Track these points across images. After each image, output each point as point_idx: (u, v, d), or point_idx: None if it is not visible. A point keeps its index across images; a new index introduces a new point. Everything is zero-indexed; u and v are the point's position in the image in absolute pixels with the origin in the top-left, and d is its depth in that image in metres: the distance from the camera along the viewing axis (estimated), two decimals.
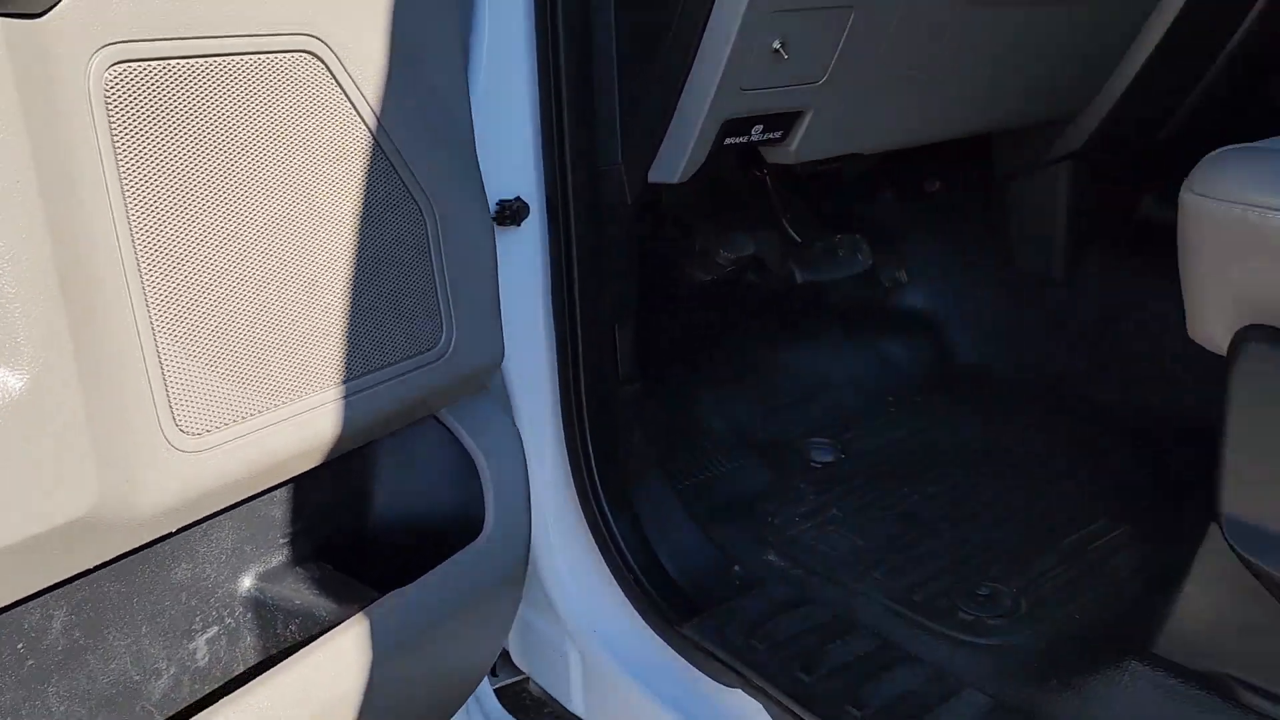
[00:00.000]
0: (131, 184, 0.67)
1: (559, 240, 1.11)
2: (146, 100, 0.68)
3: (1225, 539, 0.85)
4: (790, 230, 1.58)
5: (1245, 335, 0.82)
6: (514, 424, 1.01)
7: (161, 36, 0.67)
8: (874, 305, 1.78)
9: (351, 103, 0.81)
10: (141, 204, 0.68)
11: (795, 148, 1.22)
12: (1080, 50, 1.38)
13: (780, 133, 1.19)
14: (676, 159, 1.14)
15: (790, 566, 1.25)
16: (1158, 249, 1.66)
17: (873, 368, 1.71)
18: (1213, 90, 1.55)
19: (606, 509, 1.20)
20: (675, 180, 1.15)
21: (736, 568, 1.25)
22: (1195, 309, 0.88)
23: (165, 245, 0.69)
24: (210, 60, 0.71)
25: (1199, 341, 0.89)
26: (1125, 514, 1.30)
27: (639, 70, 1.10)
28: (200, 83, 0.70)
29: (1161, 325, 1.58)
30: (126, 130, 0.67)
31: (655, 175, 1.17)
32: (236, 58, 0.72)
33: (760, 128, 1.17)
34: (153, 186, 0.68)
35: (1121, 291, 1.63)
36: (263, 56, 0.74)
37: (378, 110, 0.83)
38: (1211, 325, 0.86)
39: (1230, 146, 0.89)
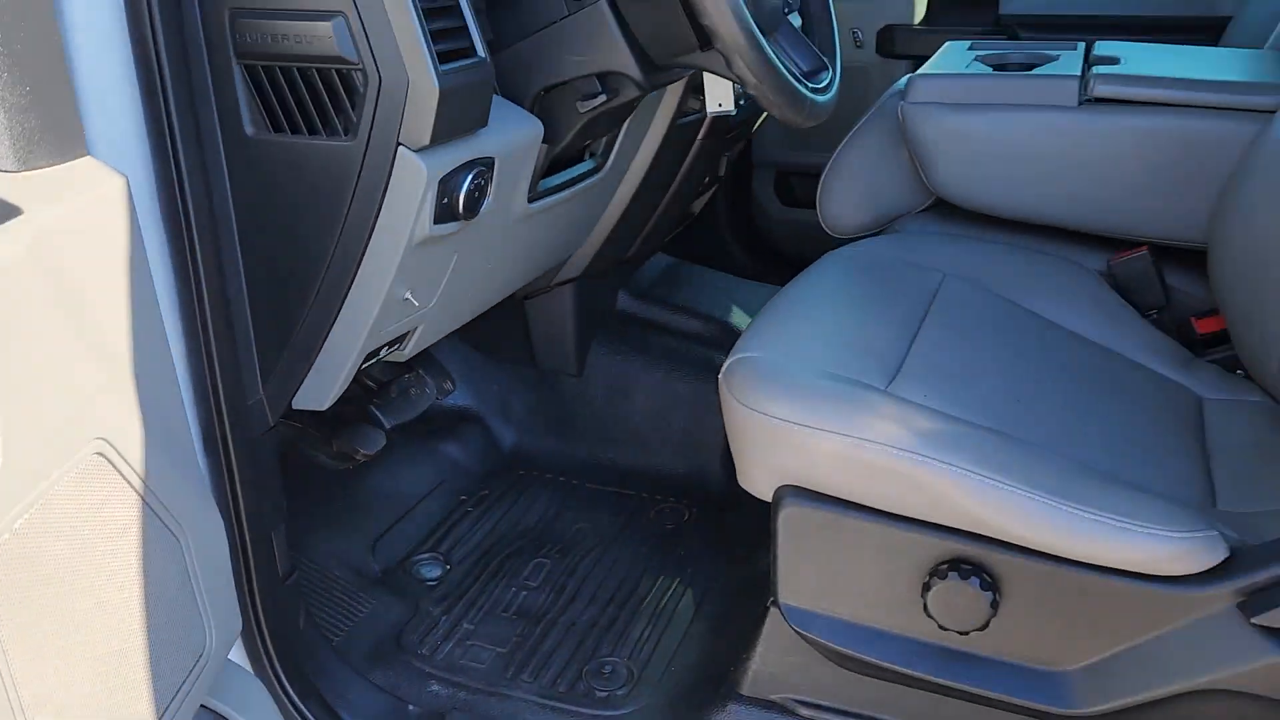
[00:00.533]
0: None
1: (220, 470, 1.22)
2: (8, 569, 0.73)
3: (784, 619, 1.30)
4: (367, 380, 1.77)
5: (782, 493, 1.26)
6: (261, 682, 1.13)
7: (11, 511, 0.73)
8: (429, 413, 2.03)
9: (122, 475, 0.89)
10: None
11: (408, 351, 1.43)
12: (582, 217, 1.76)
13: (398, 345, 1.40)
14: (325, 391, 1.30)
15: (454, 691, 1.50)
16: (636, 335, 2.15)
17: (443, 471, 1.98)
18: (663, 215, 2.04)
19: (297, 699, 1.34)
20: (323, 408, 1.32)
21: (411, 707, 1.47)
22: (742, 469, 1.31)
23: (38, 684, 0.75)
24: (40, 504, 0.76)
25: (745, 488, 1.32)
26: (675, 568, 1.75)
27: (276, 323, 1.24)
28: (33, 536, 0.76)
29: (654, 398, 2.07)
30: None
31: (300, 403, 1.32)
32: (59, 488, 0.78)
33: (386, 348, 1.37)
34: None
35: (619, 375, 2.08)
36: (75, 477, 0.80)
37: (141, 472, 0.91)
38: (756, 483, 1.29)
39: (746, 355, 1.31)
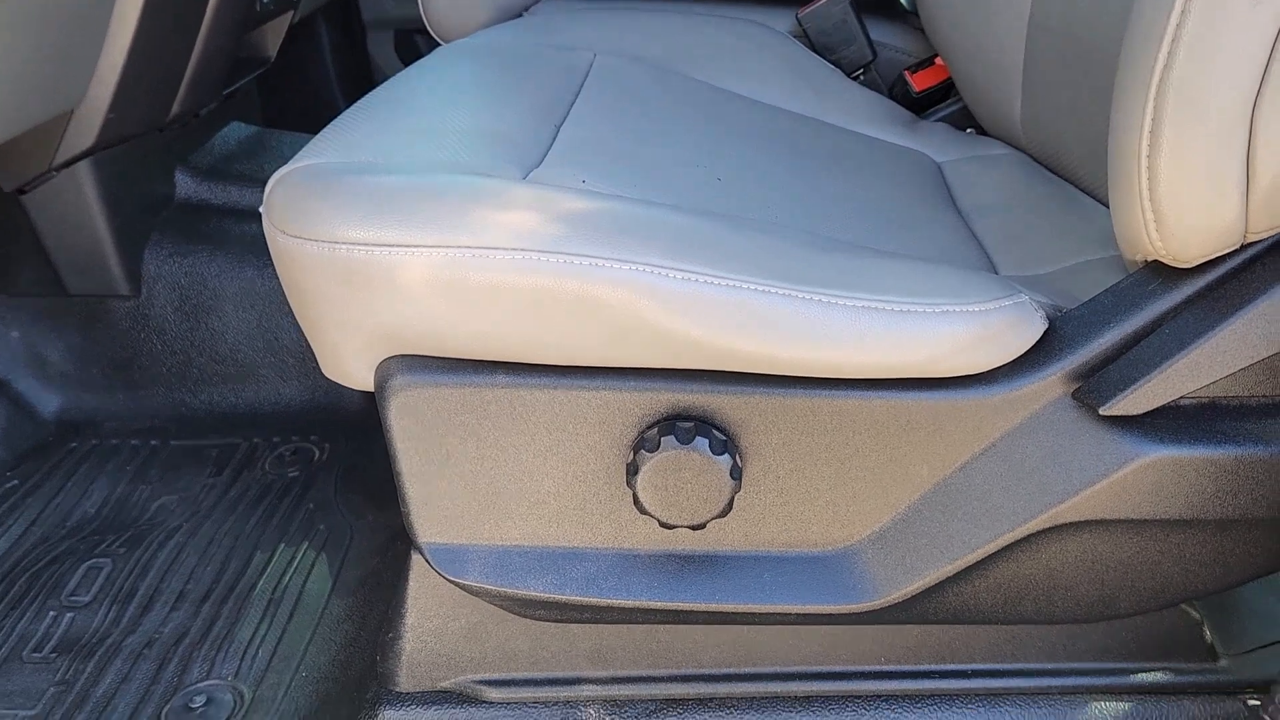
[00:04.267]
0: None
1: None
2: None
3: (430, 566, 0.83)
4: None
5: (388, 370, 0.77)
6: None
7: None
8: None
9: None
10: None
11: None
12: (51, 41, 1.16)
13: None
14: None
15: None
16: (211, 227, 1.57)
17: None
18: (209, 48, 1.46)
19: None
20: None
21: None
22: (324, 351, 0.81)
23: None
24: None
25: (337, 380, 0.82)
26: (301, 530, 1.23)
27: None
28: None
29: (250, 308, 1.51)
30: None
31: None
32: None
33: None
34: None
35: (194, 285, 1.50)
36: None
37: None
38: (348, 365, 0.79)
39: (296, 166, 0.80)
